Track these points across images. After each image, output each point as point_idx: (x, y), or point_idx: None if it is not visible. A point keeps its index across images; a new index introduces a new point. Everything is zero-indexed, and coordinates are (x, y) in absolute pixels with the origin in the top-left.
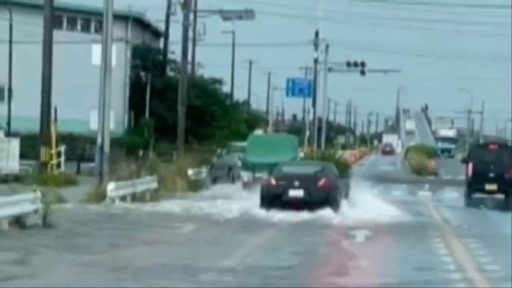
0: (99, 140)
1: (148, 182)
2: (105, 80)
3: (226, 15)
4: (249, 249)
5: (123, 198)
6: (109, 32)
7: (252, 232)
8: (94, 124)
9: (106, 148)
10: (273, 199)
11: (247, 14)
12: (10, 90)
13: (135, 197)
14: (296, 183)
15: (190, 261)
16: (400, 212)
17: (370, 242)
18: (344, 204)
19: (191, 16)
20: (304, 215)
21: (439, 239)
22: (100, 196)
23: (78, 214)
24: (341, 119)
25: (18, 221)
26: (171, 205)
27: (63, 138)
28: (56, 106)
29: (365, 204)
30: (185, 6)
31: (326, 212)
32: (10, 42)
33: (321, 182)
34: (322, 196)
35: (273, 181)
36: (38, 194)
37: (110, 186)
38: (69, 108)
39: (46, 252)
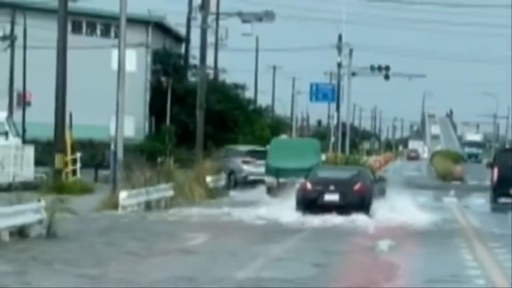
0: (112, 147)
1: (163, 190)
2: (119, 84)
3: (245, 17)
4: (266, 259)
5: (136, 207)
6: (122, 36)
7: (274, 240)
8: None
9: (120, 154)
10: (308, 203)
11: (267, 16)
12: (24, 96)
13: (150, 206)
14: (332, 187)
15: (198, 274)
16: (432, 219)
17: (397, 252)
18: (379, 208)
19: (213, 20)
20: (337, 220)
21: (467, 249)
22: (112, 204)
23: (86, 223)
24: (366, 125)
25: (21, 232)
26: (188, 213)
27: (83, 145)
28: (71, 112)
29: (400, 209)
30: (203, 8)
31: (359, 217)
32: (24, 47)
33: (357, 186)
34: (357, 200)
35: (309, 185)
36: (42, 203)
37: (123, 195)
38: (90, 114)
39: (44, 264)
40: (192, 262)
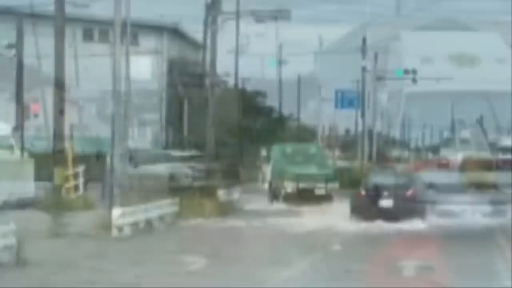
0: (108, 160)
1: (167, 205)
2: (114, 92)
3: (259, 15)
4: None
5: (133, 226)
6: (117, 42)
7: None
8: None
9: (118, 168)
10: (363, 208)
11: (282, 15)
12: (22, 107)
13: (150, 224)
14: (386, 193)
15: None
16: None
17: (423, 274)
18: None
19: (224, 20)
20: (387, 227)
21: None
22: (106, 224)
23: (68, 247)
24: (395, 132)
25: None
26: (196, 231)
27: (98, 157)
28: (72, 124)
29: (448, 216)
30: (213, 8)
31: (411, 224)
32: (21, 54)
33: (410, 192)
34: (411, 206)
35: (363, 192)
36: (12, 227)
37: (116, 213)
38: (107, 125)
39: None
40: None
